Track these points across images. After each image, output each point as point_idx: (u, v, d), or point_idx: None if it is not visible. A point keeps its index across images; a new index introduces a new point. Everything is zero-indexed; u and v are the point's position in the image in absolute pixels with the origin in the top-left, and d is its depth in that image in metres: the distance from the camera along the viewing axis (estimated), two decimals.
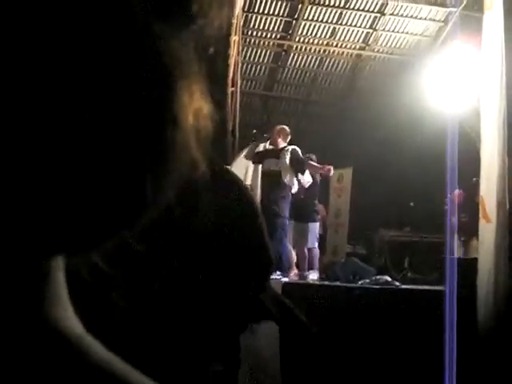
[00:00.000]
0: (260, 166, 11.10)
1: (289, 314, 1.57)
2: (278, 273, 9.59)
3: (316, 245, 11.54)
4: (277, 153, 10.72)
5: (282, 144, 10.70)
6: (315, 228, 11.55)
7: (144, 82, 0.44)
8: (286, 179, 10.43)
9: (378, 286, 8.52)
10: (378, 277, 9.13)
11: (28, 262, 0.45)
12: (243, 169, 11.60)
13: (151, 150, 0.45)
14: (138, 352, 0.87)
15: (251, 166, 11.57)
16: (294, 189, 10.51)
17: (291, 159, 10.49)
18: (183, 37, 0.47)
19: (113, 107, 0.43)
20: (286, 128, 10.92)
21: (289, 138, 10.85)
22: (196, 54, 0.48)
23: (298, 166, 10.49)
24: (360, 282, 8.84)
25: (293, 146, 10.65)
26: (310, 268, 11.09)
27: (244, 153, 11.51)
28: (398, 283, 9.00)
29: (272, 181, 10.57)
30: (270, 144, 11.09)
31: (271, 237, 10.13)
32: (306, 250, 11.18)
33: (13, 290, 0.45)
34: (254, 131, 11.87)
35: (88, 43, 0.41)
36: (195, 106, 0.48)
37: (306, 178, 10.65)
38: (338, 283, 8.96)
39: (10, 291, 0.45)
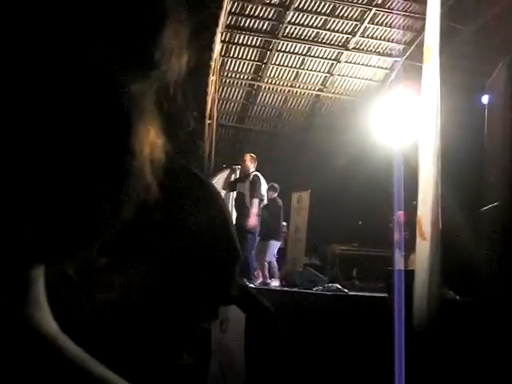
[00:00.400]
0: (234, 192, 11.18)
1: (253, 300, 1.53)
2: (244, 279, 9.58)
3: (274, 259, 11.61)
4: (245, 178, 10.82)
5: (251, 169, 10.75)
6: (274, 246, 11.59)
7: (103, 121, 0.44)
8: (246, 200, 10.50)
9: (330, 292, 8.53)
10: (330, 284, 9.15)
11: (10, 269, 0.44)
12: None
13: (109, 177, 0.45)
14: (111, 349, 0.85)
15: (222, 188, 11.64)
16: (255, 208, 10.52)
17: (250, 184, 10.58)
18: (145, 80, 0.47)
19: (76, 140, 0.42)
20: (254, 155, 10.98)
21: (255, 163, 10.91)
22: (156, 96, 0.48)
23: (251, 191, 10.56)
24: (315, 289, 8.84)
25: (255, 173, 10.72)
26: (272, 277, 11.12)
27: (221, 184, 11.59)
28: (346, 290, 9.02)
29: (240, 201, 10.63)
30: (241, 169, 11.16)
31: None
32: (265, 263, 11.24)
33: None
34: (224, 165, 12.03)
35: (53, 87, 0.41)
36: (150, 140, 0.48)
37: (254, 203, 10.62)
38: (296, 289, 8.95)
39: None
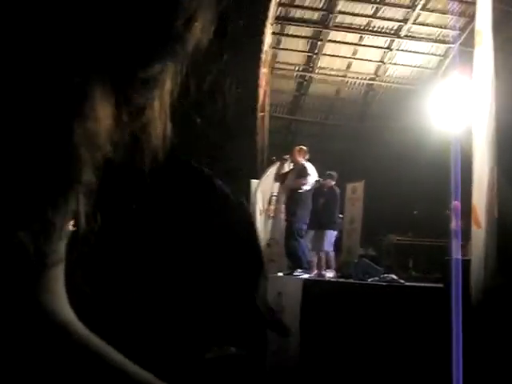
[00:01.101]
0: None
1: (273, 316, 1.50)
2: (300, 271, 9.58)
3: (331, 248, 11.50)
4: (293, 169, 10.85)
5: (301, 161, 10.73)
6: (331, 235, 11.50)
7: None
8: (294, 191, 10.53)
9: (385, 283, 8.45)
10: (385, 275, 9.06)
11: (29, 255, 0.42)
12: (270, 182, 11.66)
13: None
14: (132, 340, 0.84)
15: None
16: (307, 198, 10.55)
17: (297, 173, 10.59)
18: (168, 57, 0.44)
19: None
20: (303, 147, 10.94)
21: (307, 156, 10.87)
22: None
23: (298, 179, 10.58)
24: (370, 280, 8.77)
25: (304, 163, 10.69)
26: (328, 268, 11.04)
27: (273, 175, 11.61)
28: (402, 281, 8.92)
29: (290, 194, 10.67)
30: (292, 162, 11.15)
31: (289, 240, 10.20)
32: (322, 253, 11.15)
33: (14, 281, 0.43)
34: (274, 158, 12.02)
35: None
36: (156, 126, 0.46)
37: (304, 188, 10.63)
38: (351, 280, 8.90)
39: (11, 283, 0.43)
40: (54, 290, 0.46)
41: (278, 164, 11.77)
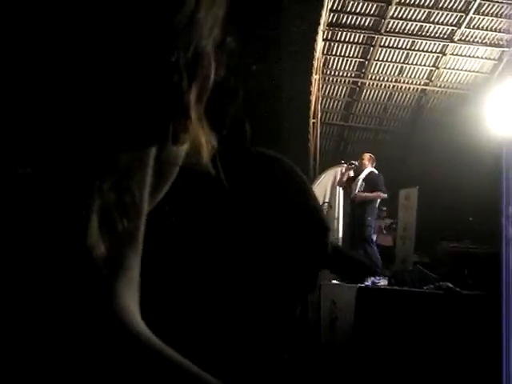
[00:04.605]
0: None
1: (346, 258, 1.47)
2: (378, 278, 9.55)
3: None
4: (359, 176, 10.84)
5: (368, 168, 10.75)
6: None
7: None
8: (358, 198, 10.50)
9: (441, 291, 8.32)
10: (441, 283, 8.91)
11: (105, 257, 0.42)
12: (323, 189, 11.61)
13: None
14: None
15: (329, 185, 11.62)
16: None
17: (368, 181, 10.56)
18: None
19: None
20: (373, 156, 10.98)
21: (373, 163, 10.90)
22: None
23: (372, 187, 10.55)
24: (425, 288, 8.65)
25: (372, 170, 10.69)
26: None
27: (326, 181, 11.61)
28: (458, 289, 8.76)
29: (353, 200, 10.68)
30: (358, 168, 11.16)
31: (362, 247, 10.18)
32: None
33: (87, 289, 0.42)
34: (343, 161, 12.00)
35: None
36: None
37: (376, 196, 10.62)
38: (405, 288, 8.79)
39: (85, 291, 0.42)
40: (127, 296, 0.45)
41: (339, 168, 11.72)
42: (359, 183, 10.72)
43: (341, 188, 11.58)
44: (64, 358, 0.40)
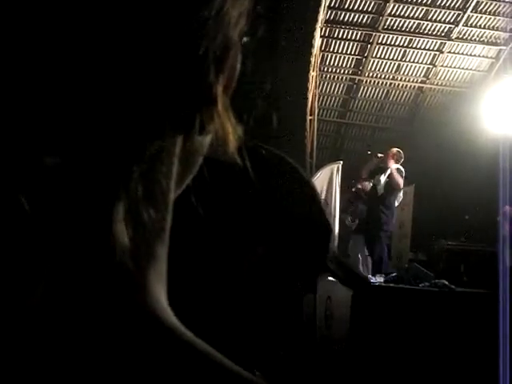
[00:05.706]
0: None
1: (349, 272, 1.49)
2: (385, 276, 9.56)
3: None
4: (382, 170, 10.63)
5: (390, 164, 10.55)
6: None
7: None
8: (379, 193, 10.36)
9: (436, 289, 8.33)
10: (437, 280, 8.93)
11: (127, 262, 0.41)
12: (320, 186, 11.60)
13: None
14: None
15: (326, 182, 11.58)
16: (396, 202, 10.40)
17: (391, 176, 10.37)
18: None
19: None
20: (401, 152, 10.76)
21: (399, 160, 10.68)
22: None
23: (393, 183, 10.35)
24: (421, 285, 8.66)
25: (397, 166, 10.50)
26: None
27: (322, 178, 11.53)
28: (454, 286, 8.78)
29: (372, 194, 10.52)
30: (381, 162, 10.94)
31: (376, 244, 10.03)
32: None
33: (117, 285, 0.42)
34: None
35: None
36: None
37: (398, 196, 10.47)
38: (401, 285, 8.79)
39: (115, 287, 0.42)
40: (157, 288, 0.45)
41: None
42: (383, 180, 10.53)
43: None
44: (101, 354, 0.40)
